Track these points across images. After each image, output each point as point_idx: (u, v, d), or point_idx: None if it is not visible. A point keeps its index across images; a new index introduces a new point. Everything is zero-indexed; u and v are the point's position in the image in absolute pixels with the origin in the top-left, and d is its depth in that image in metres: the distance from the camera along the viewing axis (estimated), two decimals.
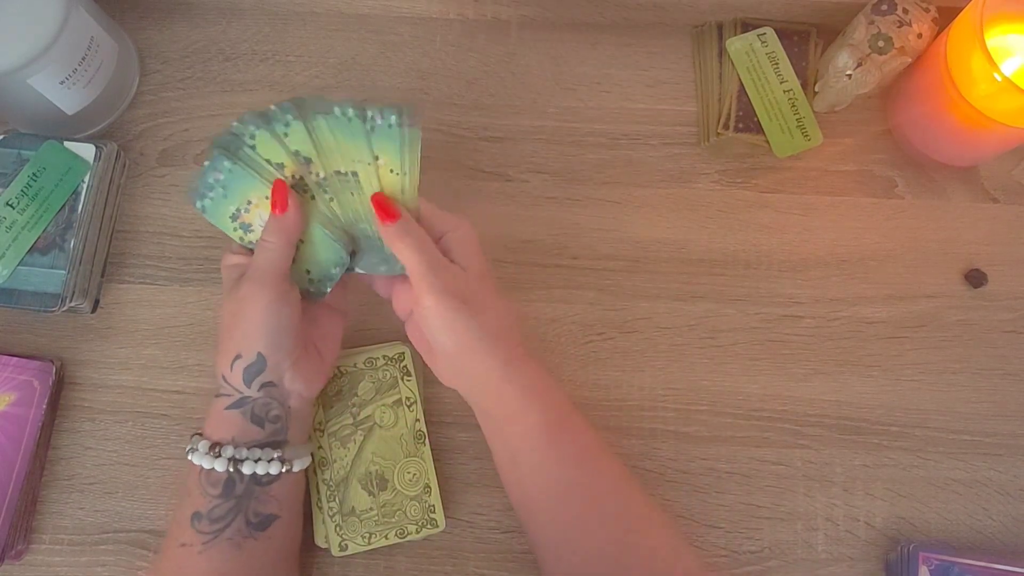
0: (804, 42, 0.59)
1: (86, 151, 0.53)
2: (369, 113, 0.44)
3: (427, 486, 0.51)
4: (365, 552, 0.50)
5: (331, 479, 0.50)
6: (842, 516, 0.53)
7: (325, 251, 0.47)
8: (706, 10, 0.60)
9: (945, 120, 0.55)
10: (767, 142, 0.57)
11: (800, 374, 0.55)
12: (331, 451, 0.51)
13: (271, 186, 0.46)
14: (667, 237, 0.57)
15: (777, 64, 0.58)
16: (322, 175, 0.46)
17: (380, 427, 0.51)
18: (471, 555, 0.52)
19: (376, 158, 0.45)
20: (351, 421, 0.51)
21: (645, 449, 0.54)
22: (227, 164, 0.46)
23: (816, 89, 0.58)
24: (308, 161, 0.46)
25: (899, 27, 0.55)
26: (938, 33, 0.56)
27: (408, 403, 0.52)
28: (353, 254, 0.48)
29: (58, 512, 0.52)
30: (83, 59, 0.52)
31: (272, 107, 0.45)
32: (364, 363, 0.52)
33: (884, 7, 0.55)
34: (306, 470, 0.48)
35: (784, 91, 0.57)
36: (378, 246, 0.48)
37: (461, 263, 0.45)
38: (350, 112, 0.44)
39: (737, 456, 0.54)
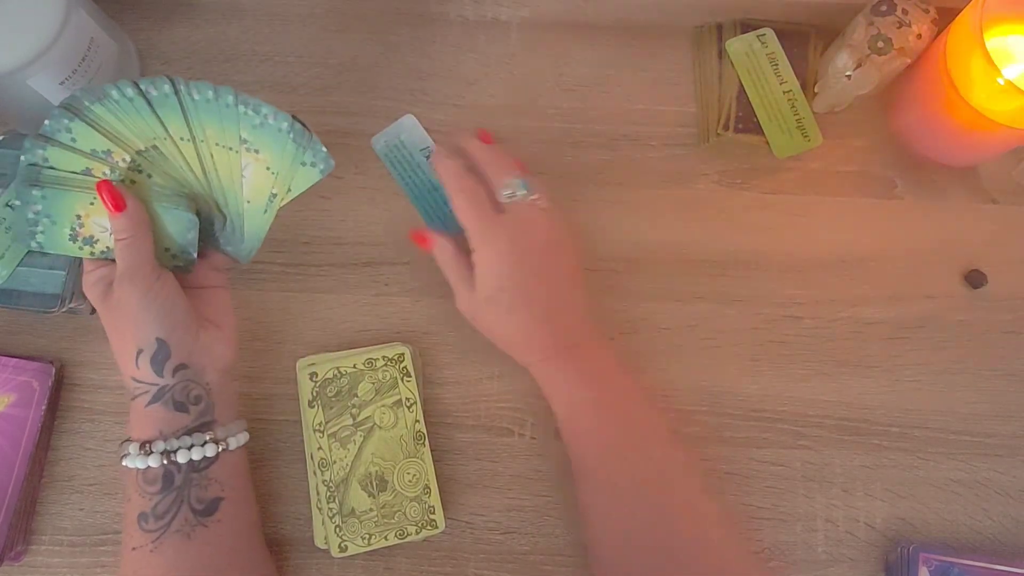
0: (804, 43, 0.59)
1: None
2: (143, 86, 0.44)
3: (427, 487, 0.51)
4: (365, 553, 0.50)
5: (331, 480, 0.50)
6: (842, 517, 0.53)
7: (172, 223, 0.48)
8: (706, 10, 0.60)
9: (944, 121, 0.55)
10: (767, 143, 0.57)
11: (800, 374, 0.55)
12: (331, 452, 0.51)
13: (90, 192, 0.46)
14: (667, 238, 0.57)
15: (777, 65, 0.58)
16: (128, 158, 0.47)
17: (380, 428, 0.51)
18: (471, 556, 0.52)
19: (166, 129, 0.46)
20: (351, 422, 0.51)
21: None
22: (37, 193, 0.46)
23: (816, 90, 0.58)
24: (108, 153, 0.46)
25: (898, 28, 0.55)
26: (937, 34, 0.56)
27: (408, 404, 0.52)
28: (198, 213, 0.48)
29: (58, 513, 0.52)
30: (83, 60, 0.52)
31: (46, 122, 0.45)
32: (364, 364, 0.52)
33: (883, 8, 0.55)
34: (245, 446, 0.48)
35: (784, 92, 0.57)
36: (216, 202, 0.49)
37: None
38: (129, 92, 0.44)
39: (737, 457, 0.54)
